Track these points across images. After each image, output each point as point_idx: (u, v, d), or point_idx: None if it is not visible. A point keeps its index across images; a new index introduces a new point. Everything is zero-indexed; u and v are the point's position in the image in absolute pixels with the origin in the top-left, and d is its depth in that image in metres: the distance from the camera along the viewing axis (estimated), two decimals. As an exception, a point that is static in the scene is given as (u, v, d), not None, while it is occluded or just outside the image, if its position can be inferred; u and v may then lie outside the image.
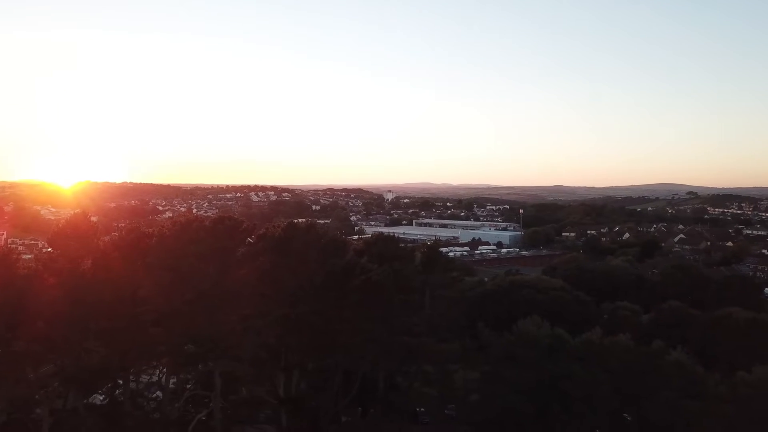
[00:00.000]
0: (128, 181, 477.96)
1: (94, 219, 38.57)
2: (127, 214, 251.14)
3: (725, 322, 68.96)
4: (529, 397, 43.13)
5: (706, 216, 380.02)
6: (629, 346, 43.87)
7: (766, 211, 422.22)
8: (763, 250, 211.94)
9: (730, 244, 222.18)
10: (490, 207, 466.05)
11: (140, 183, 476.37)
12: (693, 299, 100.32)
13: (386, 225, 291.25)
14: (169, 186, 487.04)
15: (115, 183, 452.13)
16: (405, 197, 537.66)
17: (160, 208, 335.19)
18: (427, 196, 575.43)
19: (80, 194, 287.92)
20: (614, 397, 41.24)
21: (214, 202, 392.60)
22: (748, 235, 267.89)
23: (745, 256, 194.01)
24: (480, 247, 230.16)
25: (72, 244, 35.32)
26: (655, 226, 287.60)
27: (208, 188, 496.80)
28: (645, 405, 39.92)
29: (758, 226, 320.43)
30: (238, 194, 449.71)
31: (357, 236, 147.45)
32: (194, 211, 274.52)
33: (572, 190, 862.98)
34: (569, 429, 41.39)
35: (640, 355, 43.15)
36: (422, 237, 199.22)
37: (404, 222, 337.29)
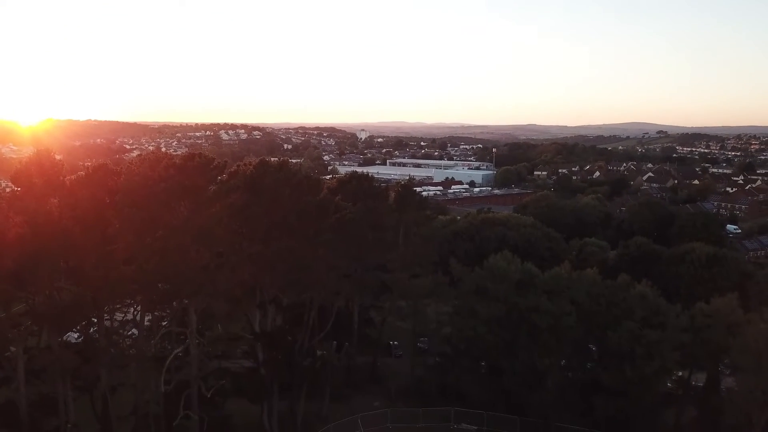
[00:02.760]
0: (93, 119, 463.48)
1: (58, 157, 37.39)
2: (92, 152, 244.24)
3: (688, 257, 71.64)
4: (498, 329, 44.64)
5: (674, 155, 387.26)
6: (596, 279, 45.30)
7: (732, 150, 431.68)
8: (727, 188, 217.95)
9: (696, 182, 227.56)
10: (464, 146, 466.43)
11: (106, 121, 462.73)
12: (658, 235, 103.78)
13: (360, 164, 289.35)
14: (136, 124, 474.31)
15: (79, 121, 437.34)
16: (379, 136, 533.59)
17: (128, 146, 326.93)
18: (401, 135, 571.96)
19: (42, 132, 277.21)
20: (579, 328, 42.91)
21: (183, 140, 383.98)
22: (713, 173, 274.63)
23: (710, 193, 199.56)
24: (453, 187, 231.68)
25: (37, 183, 34.27)
26: (625, 164, 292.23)
27: (176, 126, 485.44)
28: (608, 335, 41.61)
29: (724, 164, 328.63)
30: (208, 132, 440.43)
31: (330, 176, 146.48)
32: (163, 149, 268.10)
33: (545, 129, 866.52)
34: (536, 358, 43.12)
35: (606, 288, 44.65)
36: (396, 176, 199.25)
37: (378, 162, 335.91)
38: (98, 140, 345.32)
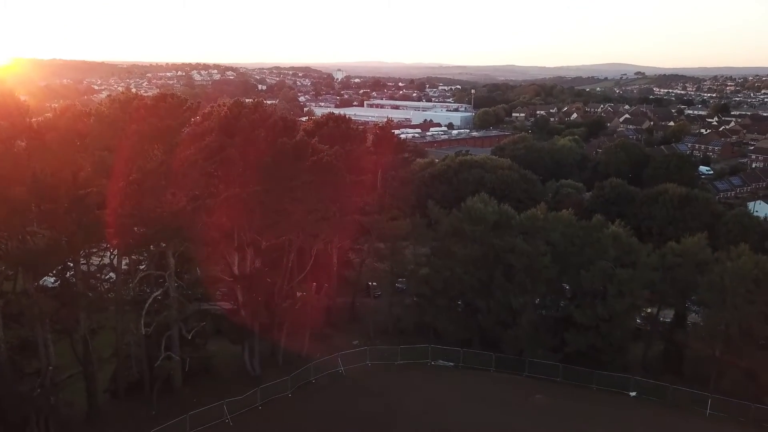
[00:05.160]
0: (58, 58, 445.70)
1: (23, 98, 36.08)
2: (59, 94, 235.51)
3: (661, 198, 73.16)
4: (475, 269, 45.44)
5: (651, 96, 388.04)
6: (571, 220, 46.01)
7: (708, 92, 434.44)
8: (702, 130, 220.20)
9: (671, 123, 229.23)
10: (442, 87, 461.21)
11: (72, 60, 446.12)
12: (633, 176, 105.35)
13: (336, 106, 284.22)
14: (103, 63, 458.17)
15: (43, 60, 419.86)
16: (356, 77, 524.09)
17: (96, 87, 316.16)
18: (379, 75, 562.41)
19: (3, 72, 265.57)
20: (554, 268, 43.88)
21: (154, 81, 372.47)
22: (689, 115, 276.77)
23: (685, 135, 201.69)
24: (431, 129, 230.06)
25: (2, 125, 33.05)
26: (602, 106, 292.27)
27: (146, 66, 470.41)
28: (582, 274, 42.64)
29: (699, 106, 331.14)
30: (180, 73, 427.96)
31: (306, 117, 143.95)
32: (133, 90, 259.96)
33: (524, 70, 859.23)
34: (511, 297, 44.20)
35: (581, 228, 45.46)
36: (374, 118, 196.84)
37: (355, 103, 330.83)
38: (65, 80, 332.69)
